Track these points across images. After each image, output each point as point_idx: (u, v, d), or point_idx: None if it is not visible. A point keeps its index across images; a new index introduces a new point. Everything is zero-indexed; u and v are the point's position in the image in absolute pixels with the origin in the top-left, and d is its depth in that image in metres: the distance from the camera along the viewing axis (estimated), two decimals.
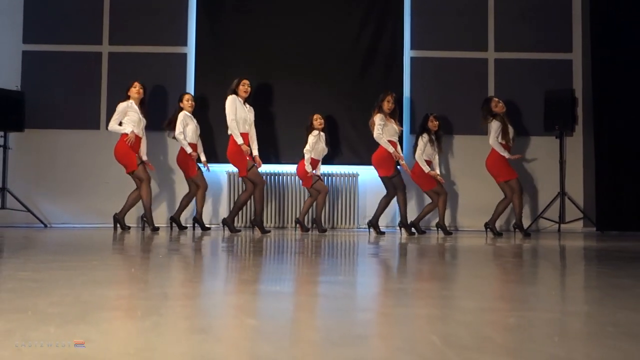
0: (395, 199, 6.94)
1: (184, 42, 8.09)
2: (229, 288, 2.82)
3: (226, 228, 6.93)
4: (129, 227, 6.99)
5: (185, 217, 7.48)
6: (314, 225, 7.39)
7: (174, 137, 7.13)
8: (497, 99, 7.14)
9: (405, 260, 4.34)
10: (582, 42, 8.17)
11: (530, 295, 2.61)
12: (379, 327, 1.91)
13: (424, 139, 7.22)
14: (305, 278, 3.15)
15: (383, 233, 6.96)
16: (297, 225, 7.39)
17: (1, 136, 7.58)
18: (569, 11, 8.22)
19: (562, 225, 7.82)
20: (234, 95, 6.77)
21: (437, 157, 7.32)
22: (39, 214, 7.69)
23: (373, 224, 6.98)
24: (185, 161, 7.12)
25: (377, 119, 6.86)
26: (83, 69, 7.97)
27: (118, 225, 6.92)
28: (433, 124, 7.30)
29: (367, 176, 7.75)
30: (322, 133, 7.34)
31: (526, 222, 7.89)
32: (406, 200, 7.02)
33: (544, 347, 1.58)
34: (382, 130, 6.85)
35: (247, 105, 6.89)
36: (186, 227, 7.28)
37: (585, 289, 2.93)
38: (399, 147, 7.03)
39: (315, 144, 7.27)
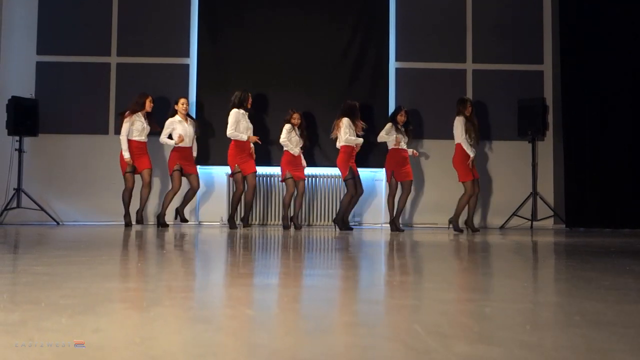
0: (347, 197, 6.94)
1: (187, 54, 8.07)
2: (228, 281, 2.81)
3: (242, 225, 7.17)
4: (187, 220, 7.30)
5: (189, 210, 7.61)
6: (283, 222, 7.31)
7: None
8: (470, 103, 7.02)
9: (386, 255, 4.35)
10: (552, 55, 8.22)
11: (504, 287, 2.62)
12: (365, 316, 1.92)
13: (387, 126, 7.19)
14: (298, 271, 3.15)
15: (351, 229, 6.96)
16: (292, 222, 7.33)
17: (17, 140, 7.55)
18: (540, 26, 8.27)
19: (534, 223, 7.86)
20: (237, 110, 7.00)
21: (405, 145, 7.25)
22: (51, 213, 7.66)
23: (337, 220, 6.98)
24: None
25: (346, 122, 6.92)
26: (93, 79, 7.95)
27: (179, 218, 7.19)
28: (401, 118, 7.27)
29: None
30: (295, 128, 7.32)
31: (501, 220, 7.92)
32: (352, 202, 7.00)
33: (516, 335, 1.59)
34: (349, 132, 6.93)
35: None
36: (187, 220, 7.30)
37: (555, 281, 2.94)
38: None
39: (289, 135, 7.26)
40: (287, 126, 7.25)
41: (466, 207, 6.95)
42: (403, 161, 7.17)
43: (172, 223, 7.33)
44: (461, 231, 6.89)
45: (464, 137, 6.85)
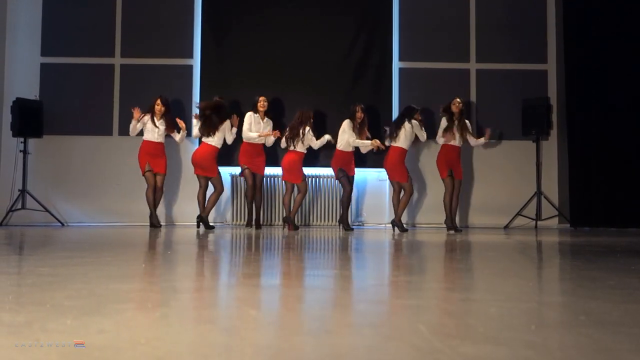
0: (346, 194, 7.03)
1: (190, 55, 8.08)
2: (233, 281, 2.82)
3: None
4: (213, 227, 7.17)
5: (213, 216, 7.56)
6: (285, 222, 7.24)
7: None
8: (459, 101, 7.23)
9: (391, 255, 4.34)
10: (556, 54, 8.19)
11: (509, 286, 2.62)
12: (370, 316, 1.92)
13: (415, 127, 7.12)
14: (302, 272, 3.15)
15: (352, 229, 7.00)
16: (285, 223, 7.24)
17: (21, 142, 7.56)
18: (544, 25, 8.25)
19: (539, 222, 7.84)
20: (250, 113, 7.24)
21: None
22: (56, 214, 7.67)
23: (343, 220, 7.00)
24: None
25: (347, 126, 7.03)
26: (97, 80, 7.96)
27: (202, 224, 7.07)
28: (419, 119, 7.24)
29: (357, 178, 7.74)
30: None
31: (505, 219, 7.90)
32: (349, 200, 7.09)
33: (522, 335, 1.58)
34: (352, 133, 7.01)
35: (265, 119, 7.30)
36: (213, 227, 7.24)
37: (560, 281, 2.93)
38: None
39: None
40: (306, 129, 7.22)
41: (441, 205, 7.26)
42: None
43: (167, 224, 7.33)
44: (460, 230, 6.99)
45: (443, 141, 7.25)
